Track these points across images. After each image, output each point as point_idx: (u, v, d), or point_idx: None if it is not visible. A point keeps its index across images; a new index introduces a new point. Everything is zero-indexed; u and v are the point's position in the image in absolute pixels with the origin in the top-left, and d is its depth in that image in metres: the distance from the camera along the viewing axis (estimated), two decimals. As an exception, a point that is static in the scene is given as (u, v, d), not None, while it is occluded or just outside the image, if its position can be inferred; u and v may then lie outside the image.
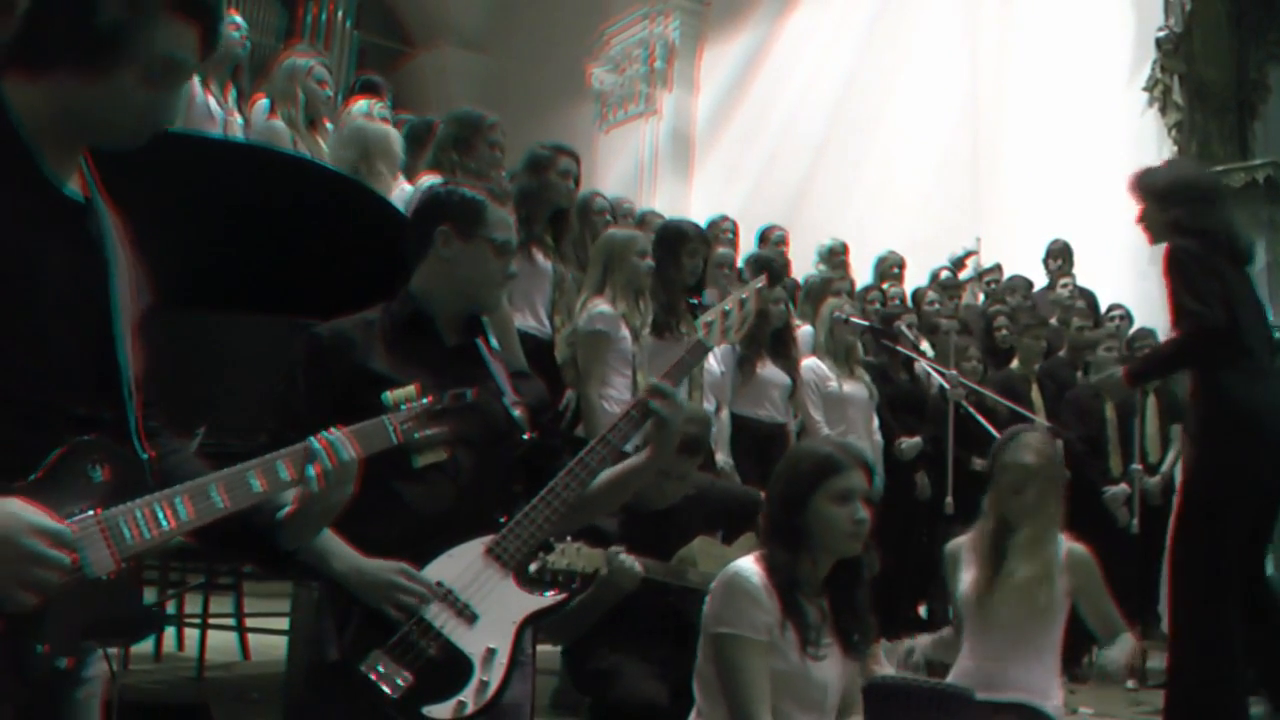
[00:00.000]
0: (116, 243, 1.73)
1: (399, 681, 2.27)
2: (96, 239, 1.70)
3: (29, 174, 1.64)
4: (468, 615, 2.37)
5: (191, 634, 5.34)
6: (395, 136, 4.95)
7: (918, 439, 6.65)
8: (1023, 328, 7.49)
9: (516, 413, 2.55)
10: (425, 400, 2.07)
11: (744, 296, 2.87)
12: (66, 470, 1.58)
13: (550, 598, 2.48)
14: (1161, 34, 8.76)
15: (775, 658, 2.72)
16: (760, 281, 3.05)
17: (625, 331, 4.76)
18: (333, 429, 1.89)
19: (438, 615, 2.36)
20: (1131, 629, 3.80)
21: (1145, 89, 8.99)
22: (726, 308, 2.83)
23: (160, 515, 1.63)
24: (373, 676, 2.27)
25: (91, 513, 1.57)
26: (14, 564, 1.46)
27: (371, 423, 1.98)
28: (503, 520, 2.47)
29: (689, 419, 3.65)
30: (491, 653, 2.36)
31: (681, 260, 5.14)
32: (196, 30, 1.69)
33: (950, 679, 3.59)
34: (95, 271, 1.69)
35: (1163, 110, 8.89)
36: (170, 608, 5.05)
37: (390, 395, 2.06)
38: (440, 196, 2.68)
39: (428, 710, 2.28)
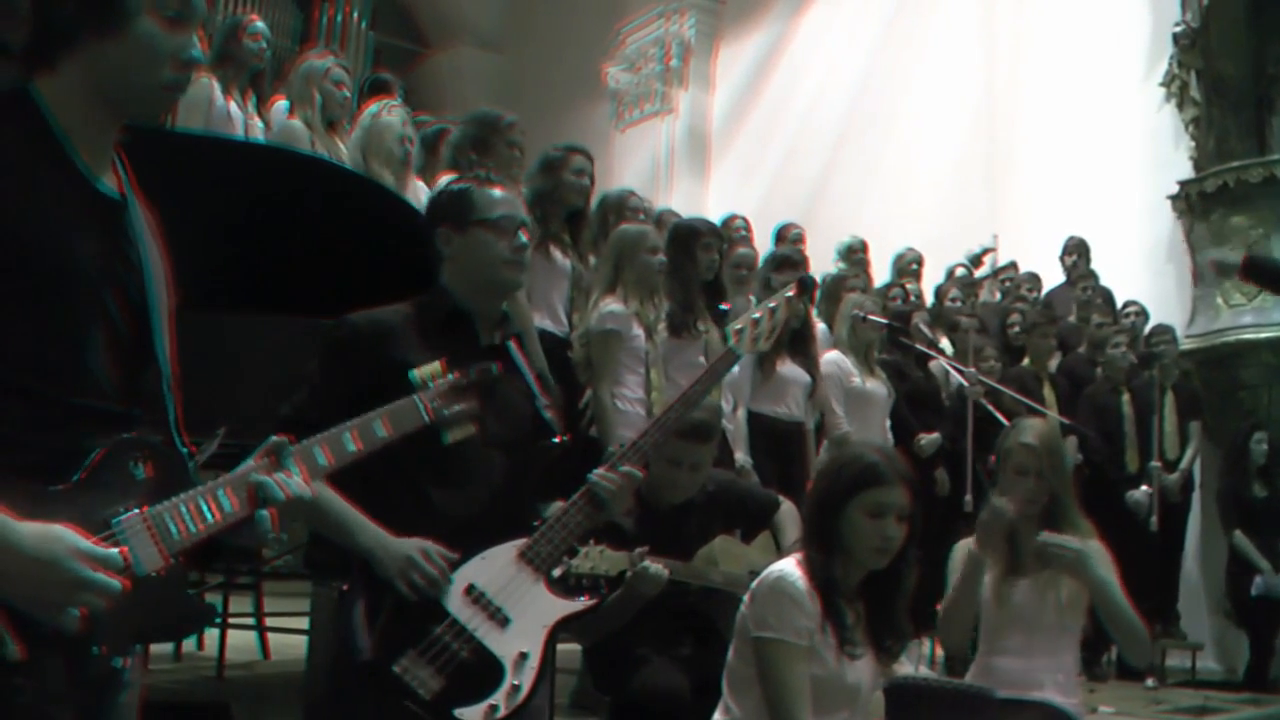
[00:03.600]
0: (151, 240, 1.73)
1: (432, 683, 2.28)
2: (132, 236, 1.70)
3: (65, 171, 1.63)
4: (500, 618, 2.38)
5: (211, 633, 5.36)
6: (388, 128, 4.83)
7: (937, 435, 6.65)
8: (1030, 325, 7.46)
9: (548, 415, 2.55)
10: (452, 376, 2.07)
11: (773, 305, 2.87)
12: (109, 469, 1.58)
13: (582, 603, 2.49)
14: (1178, 29, 8.70)
15: (814, 663, 2.72)
16: (790, 290, 3.03)
17: (638, 329, 4.73)
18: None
19: (470, 618, 2.36)
20: (1149, 628, 3.72)
21: (1162, 84, 8.93)
22: (756, 315, 2.83)
23: (205, 508, 1.63)
24: (406, 678, 2.27)
25: (137, 510, 1.58)
26: (61, 588, 1.45)
27: (403, 402, 1.98)
28: (536, 524, 2.48)
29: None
30: (523, 656, 2.37)
31: (696, 255, 5.12)
32: None
33: (970, 678, 3.56)
34: (132, 269, 1.68)
35: (1180, 106, 8.83)
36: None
37: (417, 373, 2.06)
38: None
39: (459, 713, 2.29)
